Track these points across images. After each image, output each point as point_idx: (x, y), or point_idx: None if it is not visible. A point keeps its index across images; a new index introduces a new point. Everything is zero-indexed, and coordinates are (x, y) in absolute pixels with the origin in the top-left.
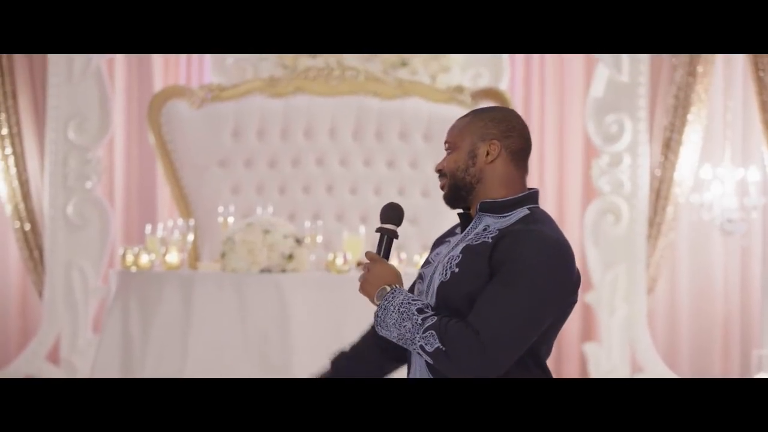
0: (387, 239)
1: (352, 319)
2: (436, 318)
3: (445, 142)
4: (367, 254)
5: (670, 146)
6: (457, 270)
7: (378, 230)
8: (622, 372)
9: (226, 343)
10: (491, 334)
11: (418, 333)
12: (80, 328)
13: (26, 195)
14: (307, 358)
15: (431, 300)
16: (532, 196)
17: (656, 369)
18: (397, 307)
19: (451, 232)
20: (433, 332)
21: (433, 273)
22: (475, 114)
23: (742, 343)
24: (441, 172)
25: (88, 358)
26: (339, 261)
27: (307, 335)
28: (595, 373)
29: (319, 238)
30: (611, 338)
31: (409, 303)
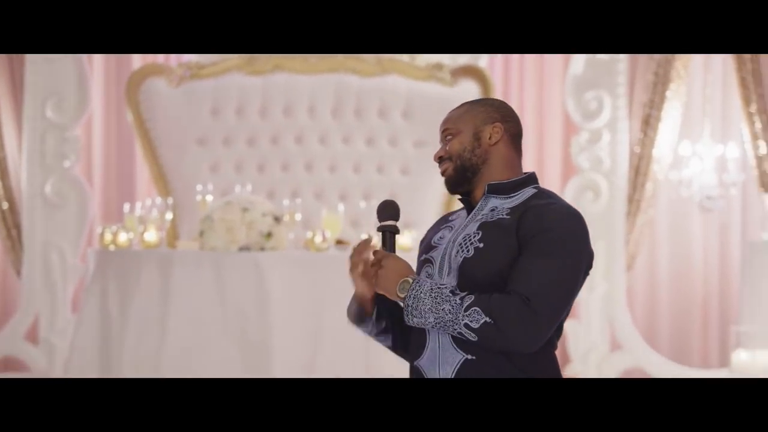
0: (390, 236)
1: (331, 297)
2: (473, 295)
3: (444, 130)
4: (376, 253)
5: (649, 123)
6: (481, 245)
7: (379, 229)
8: (602, 349)
9: (205, 321)
10: (540, 301)
11: (459, 312)
12: (59, 308)
13: (4, 173)
14: (286, 336)
15: (452, 279)
16: (534, 177)
17: (635, 346)
18: (428, 293)
19: (445, 219)
20: (477, 308)
21: (446, 254)
22: (473, 103)
23: (721, 319)
24: (442, 158)
25: (67, 338)
26: (318, 239)
27: (285, 313)
28: (574, 350)
29: (298, 216)
30: (590, 315)
31: (439, 287)
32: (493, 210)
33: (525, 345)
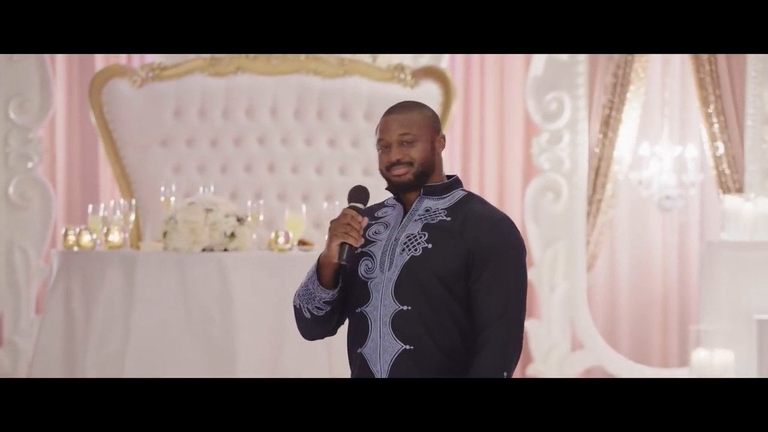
0: (350, 248)
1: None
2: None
3: (406, 134)
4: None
5: (609, 124)
6: (430, 246)
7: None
8: (563, 348)
9: (169, 322)
10: (511, 327)
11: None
12: (23, 309)
13: None
14: (250, 336)
15: (393, 274)
16: (459, 179)
17: (596, 346)
18: None
19: (371, 215)
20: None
21: (386, 250)
22: (422, 108)
23: (681, 318)
24: (400, 161)
25: (30, 339)
26: (281, 240)
27: (249, 313)
28: (536, 349)
29: (261, 217)
30: (551, 315)
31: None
32: (427, 210)
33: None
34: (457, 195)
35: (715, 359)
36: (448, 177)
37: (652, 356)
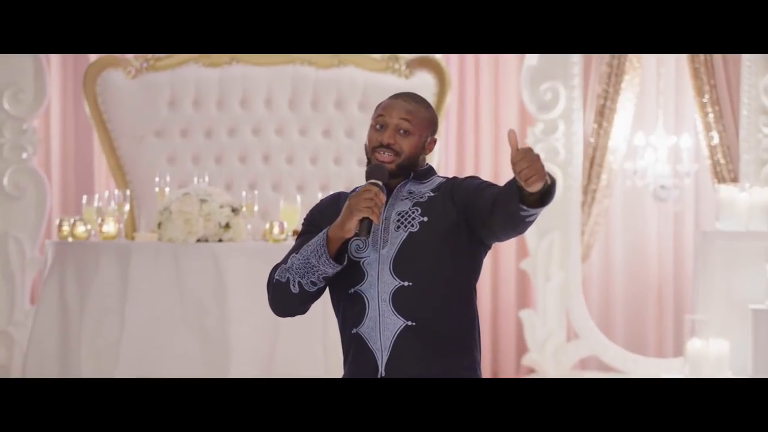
0: (368, 222)
1: None
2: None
3: (405, 121)
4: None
5: (603, 114)
6: (425, 219)
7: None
8: (559, 338)
9: (163, 312)
10: None
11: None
12: (18, 300)
13: None
14: (244, 327)
15: (391, 250)
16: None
17: (591, 335)
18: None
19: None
20: None
21: (378, 228)
22: (427, 107)
23: (676, 308)
24: (391, 146)
25: (26, 330)
26: (275, 230)
27: (244, 303)
28: (531, 339)
29: (256, 208)
30: (546, 305)
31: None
32: (411, 192)
33: None
34: (437, 180)
35: (710, 349)
36: None
37: (647, 346)
